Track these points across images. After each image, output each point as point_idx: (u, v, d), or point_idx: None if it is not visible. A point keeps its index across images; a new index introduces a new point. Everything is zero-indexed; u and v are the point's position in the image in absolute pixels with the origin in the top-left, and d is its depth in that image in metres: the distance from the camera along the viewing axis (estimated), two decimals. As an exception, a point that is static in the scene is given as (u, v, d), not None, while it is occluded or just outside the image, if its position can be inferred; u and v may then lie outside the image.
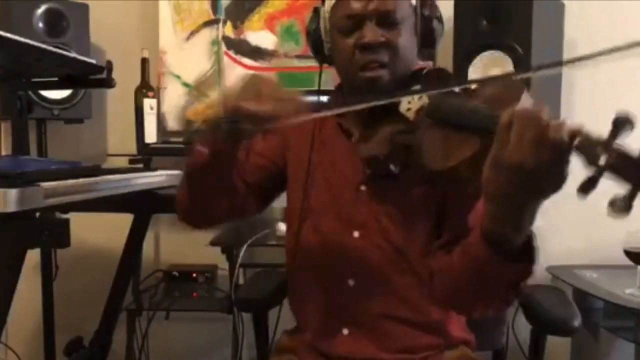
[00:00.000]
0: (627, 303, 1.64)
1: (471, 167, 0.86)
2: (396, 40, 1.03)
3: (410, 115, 0.98)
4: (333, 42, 1.08)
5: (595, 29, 2.08)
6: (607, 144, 0.66)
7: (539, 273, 0.91)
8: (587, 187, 0.66)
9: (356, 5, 1.02)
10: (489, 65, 1.77)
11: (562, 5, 1.95)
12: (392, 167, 1.02)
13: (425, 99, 0.97)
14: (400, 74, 1.05)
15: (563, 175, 0.70)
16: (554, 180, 0.70)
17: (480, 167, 0.82)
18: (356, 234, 1.09)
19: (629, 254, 1.66)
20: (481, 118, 0.84)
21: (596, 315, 1.87)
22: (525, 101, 0.85)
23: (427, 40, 1.09)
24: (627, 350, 1.89)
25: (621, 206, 0.64)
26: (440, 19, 1.09)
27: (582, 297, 1.81)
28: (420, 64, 1.12)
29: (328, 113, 1.01)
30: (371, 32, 1.01)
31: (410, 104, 0.99)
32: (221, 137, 0.95)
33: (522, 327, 1.36)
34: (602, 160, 0.65)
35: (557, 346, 1.95)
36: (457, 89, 0.99)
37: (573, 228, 2.09)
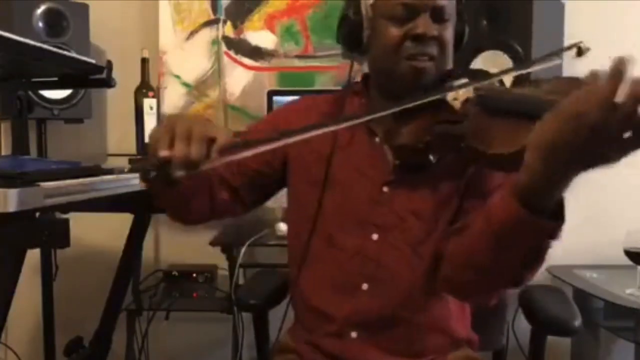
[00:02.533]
0: (627, 303, 1.64)
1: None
2: (446, 35, 1.04)
3: (457, 104, 0.98)
4: (376, 30, 1.06)
5: (595, 29, 2.08)
6: None
7: (539, 273, 0.91)
8: None
9: None
10: (489, 65, 1.77)
11: (562, 5, 1.95)
12: (431, 157, 1.01)
13: (471, 91, 0.98)
14: (442, 70, 1.06)
15: (629, 144, 0.67)
16: (623, 147, 0.68)
17: None
18: (375, 236, 1.08)
19: (629, 254, 1.66)
20: (544, 105, 0.83)
21: (596, 315, 1.87)
22: None
23: (459, 43, 1.10)
24: (627, 350, 1.89)
25: None
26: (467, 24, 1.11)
27: (582, 297, 1.80)
28: None
29: (327, 129, 0.90)
30: (426, 24, 1.02)
31: (456, 94, 0.99)
32: (156, 183, 0.92)
33: (522, 327, 1.36)
34: None
35: (557, 346, 1.96)
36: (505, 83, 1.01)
37: (573, 228, 2.08)
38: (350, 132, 1.11)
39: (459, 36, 1.10)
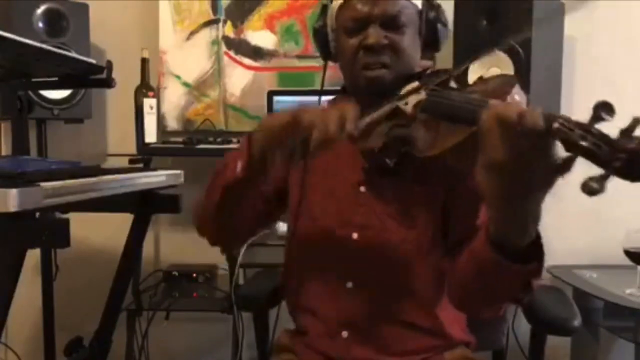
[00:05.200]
0: (627, 303, 1.64)
1: (457, 156, 0.88)
2: (399, 42, 1.05)
3: (408, 109, 0.99)
4: (338, 41, 1.10)
5: (595, 29, 2.08)
6: (586, 127, 0.66)
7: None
8: (561, 169, 0.67)
9: (361, 8, 1.04)
10: (488, 65, 1.77)
11: (562, 5, 1.95)
12: (387, 160, 1.03)
13: (423, 94, 0.99)
14: (402, 74, 1.06)
15: (552, 165, 0.69)
16: (544, 172, 0.70)
17: (467, 156, 0.82)
18: (355, 235, 1.09)
19: (629, 254, 1.66)
20: (468, 108, 0.86)
21: (596, 315, 1.87)
22: (516, 94, 0.87)
23: (430, 44, 1.10)
24: (627, 350, 1.89)
25: (594, 188, 0.63)
26: (445, 24, 1.11)
27: (582, 297, 1.80)
28: (422, 63, 1.12)
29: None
30: (375, 35, 1.03)
31: (407, 98, 1.00)
32: (284, 156, 0.95)
33: (522, 327, 1.36)
34: (581, 143, 0.65)
35: (557, 346, 1.96)
36: (454, 84, 1.01)
37: (573, 228, 2.09)
38: None
39: (429, 36, 1.09)
